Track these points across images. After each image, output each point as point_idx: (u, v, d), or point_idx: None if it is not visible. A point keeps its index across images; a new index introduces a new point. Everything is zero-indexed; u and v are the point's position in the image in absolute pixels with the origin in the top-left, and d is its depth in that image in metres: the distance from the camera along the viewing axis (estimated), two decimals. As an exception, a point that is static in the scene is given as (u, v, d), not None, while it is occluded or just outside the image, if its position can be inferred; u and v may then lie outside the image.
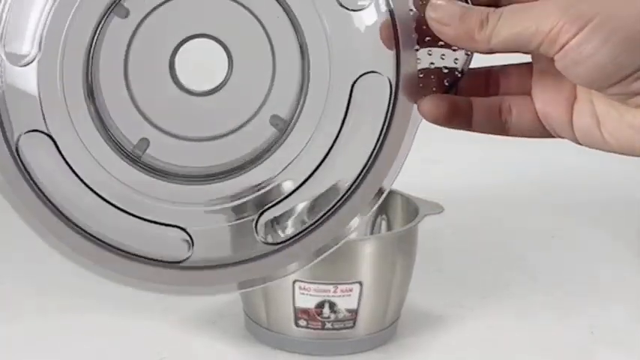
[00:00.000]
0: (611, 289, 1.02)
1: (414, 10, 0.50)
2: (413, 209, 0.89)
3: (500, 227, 1.19)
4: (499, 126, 0.53)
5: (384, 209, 0.94)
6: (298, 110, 0.52)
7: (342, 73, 0.51)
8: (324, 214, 0.52)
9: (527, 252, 1.12)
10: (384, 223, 0.95)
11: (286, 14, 0.51)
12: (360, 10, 0.50)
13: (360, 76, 0.51)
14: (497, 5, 0.50)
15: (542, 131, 0.52)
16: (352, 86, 0.51)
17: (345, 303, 0.83)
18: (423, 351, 0.88)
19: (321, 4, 0.50)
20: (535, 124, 0.52)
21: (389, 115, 0.51)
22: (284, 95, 0.52)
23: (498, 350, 0.89)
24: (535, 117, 0.52)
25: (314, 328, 0.84)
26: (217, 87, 0.52)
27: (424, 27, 0.50)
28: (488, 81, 0.54)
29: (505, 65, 0.54)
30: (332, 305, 0.83)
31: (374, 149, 0.51)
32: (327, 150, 0.51)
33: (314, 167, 0.51)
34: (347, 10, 0.50)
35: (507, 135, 0.53)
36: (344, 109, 0.51)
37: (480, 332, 0.92)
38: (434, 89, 0.52)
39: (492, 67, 0.54)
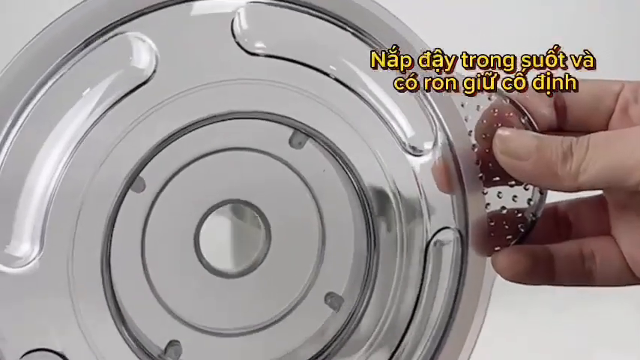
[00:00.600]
0: (611, 289, 0.99)
1: (477, 144, 0.42)
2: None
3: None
4: (583, 276, 0.44)
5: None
6: (367, 287, 0.42)
7: (415, 232, 0.41)
8: None
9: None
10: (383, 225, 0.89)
11: (339, 165, 0.41)
12: (423, 154, 0.41)
13: (434, 234, 0.41)
14: (560, 130, 0.43)
15: (633, 279, 0.44)
16: (426, 249, 0.41)
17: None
18: (423, 351, 0.84)
19: (383, 152, 0.40)
20: (624, 270, 0.44)
21: (460, 275, 0.42)
22: (339, 267, 0.42)
23: (498, 350, 0.83)
24: (623, 262, 0.44)
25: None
26: (254, 264, 0.42)
27: (490, 164, 0.41)
28: (557, 221, 0.46)
29: (572, 201, 0.46)
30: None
31: (447, 323, 0.42)
32: (401, 335, 0.41)
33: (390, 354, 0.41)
34: (412, 156, 0.41)
35: (594, 286, 0.45)
36: (419, 279, 0.41)
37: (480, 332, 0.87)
38: (508, 238, 0.43)
39: (557, 203, 0.46)
